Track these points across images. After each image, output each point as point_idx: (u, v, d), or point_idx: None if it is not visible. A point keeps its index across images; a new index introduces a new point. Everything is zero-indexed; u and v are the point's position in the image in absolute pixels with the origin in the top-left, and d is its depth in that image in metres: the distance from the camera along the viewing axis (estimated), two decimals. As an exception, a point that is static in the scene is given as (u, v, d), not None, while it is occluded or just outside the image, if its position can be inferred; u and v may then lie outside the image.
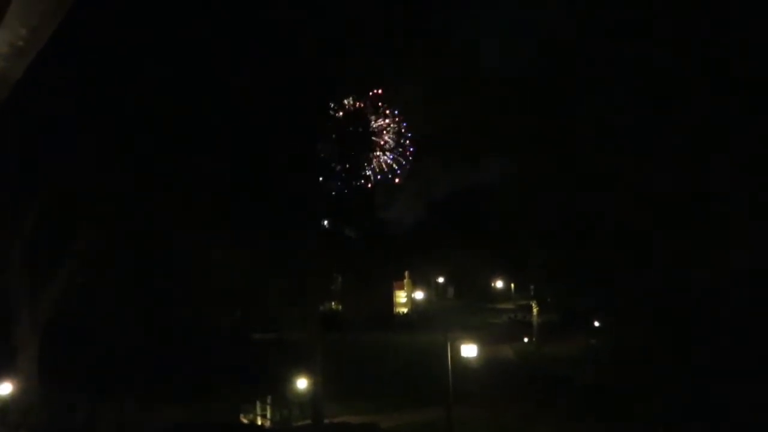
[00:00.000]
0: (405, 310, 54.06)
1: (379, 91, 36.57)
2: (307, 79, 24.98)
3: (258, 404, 23.86)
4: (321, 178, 34.18)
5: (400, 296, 54.34)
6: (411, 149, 39.43)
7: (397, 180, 40.27)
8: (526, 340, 40.59)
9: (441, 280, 60.97)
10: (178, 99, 18.60)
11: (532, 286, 42.03)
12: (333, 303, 43.82)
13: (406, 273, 52.99)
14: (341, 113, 35.89)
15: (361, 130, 37.63)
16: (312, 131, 31.55)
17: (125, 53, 16.61)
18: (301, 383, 23.15)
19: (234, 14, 19.45)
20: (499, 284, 57.14)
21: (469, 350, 20.18)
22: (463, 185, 39.78)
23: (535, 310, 40.39)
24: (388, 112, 38.30)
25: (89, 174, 18.16)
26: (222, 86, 19.74)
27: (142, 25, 16.63)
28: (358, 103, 36.97)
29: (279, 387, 24.17)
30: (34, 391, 18.67)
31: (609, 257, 25.42)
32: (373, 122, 38.20)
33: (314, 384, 23.55)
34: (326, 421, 23.27)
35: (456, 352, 20.25)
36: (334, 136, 35.00)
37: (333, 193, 35.54)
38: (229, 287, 27.77)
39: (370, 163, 38.88)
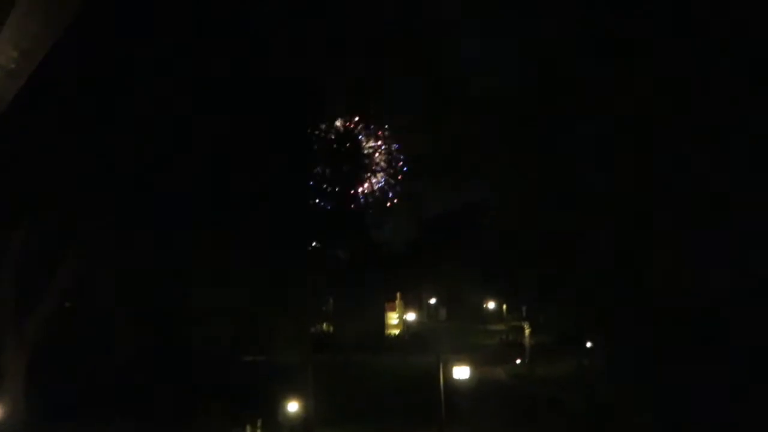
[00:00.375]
0: (397, 331, 53.69)
1: (371, 111, 36.60)
2: (298, 99, 25.17)
3: (248, 427, 23.46)
4: (312, 200, 34.23)
5: (392, 317, 54.01)
6: (403, 170, 39.30)
7: (388, 204, 40.06)
8: (518, 361, 40.38)
9: (433, 301, 60.76)
10: (173, 119, 18.66)
11: (524, 308, 41.95)
12: (324, 324, 43.46)
13: (398, 294, 52.74)
14: (332, 134, 35.98)
15: (352, 151, 37.80)
16: (303, 151, 31.68)
17: (118, 62, 16.63)
18: (292, 406, 22.85)
19: (226, 33, 19.63)
20: (491, 305, 57.04)
21: (461, 372, 20.07)
22: (455, 205, 39.87)
23: (527, 332, 40.24)
24: (380, 132, 38.21)
25: (81, 192, 18.07)
26: (214, 105, 19.82)
27: (136, 39, 16.64)
28: (349, 124, 37.08)
29: (270, 410, 23.80)
30: (20, 416, 18.26)
31: (600, 277, 25.54)
32: (364, 142, 38.17)
33: (306, 407, 23.26)
34: (318, 444, 22.92)
35: (448, 373, 20.11)
36: (325, 156, 34.91)
37: (325, 213, 35.43)
38: (220, 308, 27.57)
39: (362, 183, 38.70)
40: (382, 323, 51.23)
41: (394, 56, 28.00)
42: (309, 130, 32.92)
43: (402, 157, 40.40)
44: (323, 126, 35.25)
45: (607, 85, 20.82)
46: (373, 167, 39.79)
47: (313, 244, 34.58)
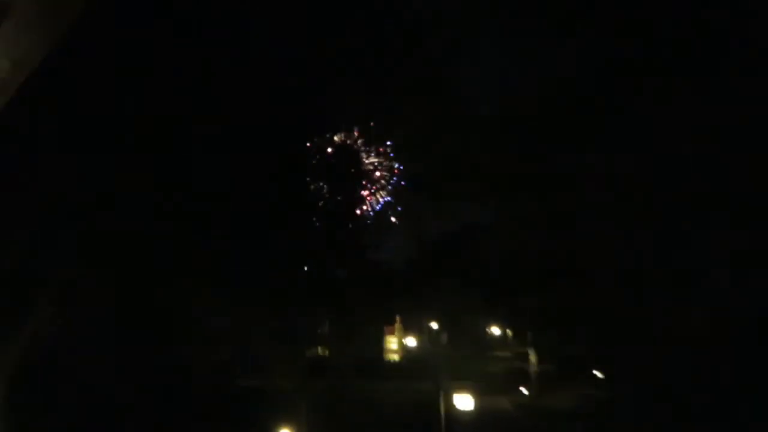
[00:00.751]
0: (396, 357, 53.42)
1: (372, 124, 36.74)
2: (295, 113, 25.30)
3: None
4: (309, 218, 34.48)
5: (391, 342, 53.77)
6: (404, 188, 39.37)
7: (388, 223, 40.04)
8: (524, 390, 40.00)
9: (434, 325, 60.39)
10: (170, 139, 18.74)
11: (529, 333, 41.65)
12: (320, 348, 43.13)
13: (398, 318, 52.46)
14: (331, 149, 36.02)
15: (352, 167, 37.93)
16: (300, 167, 31.59)
17: (110, 87, 16.72)
18: (285, 435, 22.57)
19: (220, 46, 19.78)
20: (495, 330, 56.77)
21: (462, 401, 19.80)
22: (457, 225, 39.78)
23: (532, 359, 39.88)
24: (381, 149, 38.35)
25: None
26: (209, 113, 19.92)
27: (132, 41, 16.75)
28: (348, 140, 37.23)
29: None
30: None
31: (606, 302, 25.40)
32: (365, 158, 38.28)
33: (298, 436, 23.01)
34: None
35: (449, 402, 19.87)
36: (323, 172, 35.22)
37: (322, 231, 35.39)
38: (209, 330, 27.39)
39: (362, 201, 38.68)
40: (380, 348, 50.96)
41: (396, 69, 28.21)
42: (307, 145, 33.43)
43: (404, 175, 40.54)
44: (322, 141, 35.54)
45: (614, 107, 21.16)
46: (374, 185, 39.88)
47: (310, 264, 34.60)
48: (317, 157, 35.45)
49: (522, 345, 45.89)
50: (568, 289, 28.63)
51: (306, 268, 34.40)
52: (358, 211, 39.68)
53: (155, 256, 21.26)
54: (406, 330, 54.67)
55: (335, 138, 37.30)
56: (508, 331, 54.46)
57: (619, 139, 21.70)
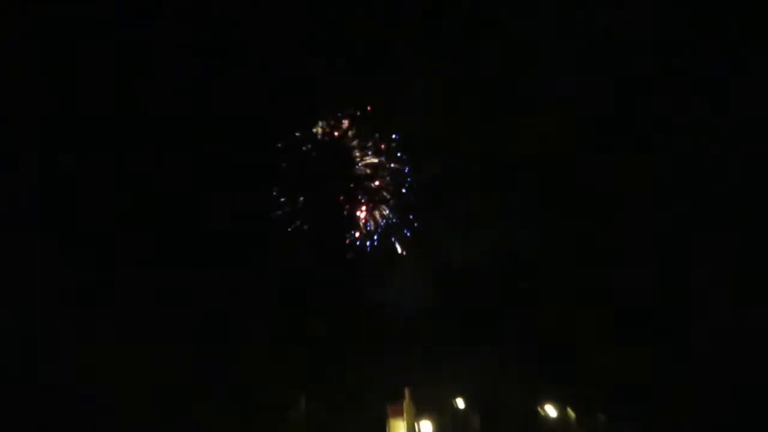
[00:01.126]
0: (405, 451, 52.68)
1: (368, 109, 36.27)
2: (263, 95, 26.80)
3: None
4: (279, 244, 34.39)
5: (398, 428, 53.03)
6: (415, 202, 38.51)
7: (396, 247, 39.14)
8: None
9: (460, 402, 59.93)
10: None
11: (601, 415, 40.59)
12: (292, 441, 42.28)
13: (407, 391, 51.70)
14: (310, 146, 35.69)
15: (341, 172, 37.25)
16: (265, 171, 32.51)
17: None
18: None
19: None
20: (550, 411, 56.29)
21: None
22: (490, 253, 39.06)
23: (607, 454, 38.82)
24: (382, 146, 37.61)
25: None
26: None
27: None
28: (335, 133, 36.53)
29: None
30: None
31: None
32: (359, 159, 37.49)
33: None
34: None
35: None
36: (300, 179, 35.14)
37: (297, 264, 35.00)
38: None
39: (354, 220, 37.89)
40: (381, 437, 50.50)
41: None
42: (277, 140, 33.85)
43: (415, 185, 39.82)
44: (298, 133, 35.41)
45: None
46: (372, 198, 39.04)
47: (280, 311, 33.76)
48: (292, 157, 35.30)
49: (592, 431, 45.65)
50: (658, 346, 28.54)
51: (274, 317, 33.65)
52: (348, 237, 38.60)
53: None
54: (420, 409, 54.28)
55: (316, 130, 36.55)
56: (570, 411, 54.04)
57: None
